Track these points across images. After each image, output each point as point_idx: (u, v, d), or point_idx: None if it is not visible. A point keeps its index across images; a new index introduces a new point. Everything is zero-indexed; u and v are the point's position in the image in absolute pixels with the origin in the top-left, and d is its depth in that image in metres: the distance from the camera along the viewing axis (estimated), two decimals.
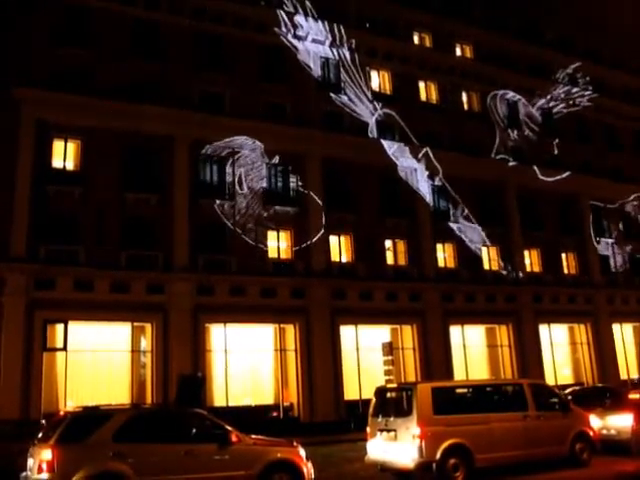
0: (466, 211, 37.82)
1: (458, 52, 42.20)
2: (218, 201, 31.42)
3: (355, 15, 37.99)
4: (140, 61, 31.73)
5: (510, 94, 42.29)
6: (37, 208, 27.72)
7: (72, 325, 25.91)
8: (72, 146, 29.69)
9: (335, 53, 36.57)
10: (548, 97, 43.99)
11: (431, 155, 37.11)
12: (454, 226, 37.44)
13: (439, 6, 41.27)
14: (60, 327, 25.76)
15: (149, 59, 32.03)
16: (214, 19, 33.73)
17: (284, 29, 35.14)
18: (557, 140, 43.49)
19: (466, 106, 41.48)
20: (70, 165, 29.58)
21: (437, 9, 41.18)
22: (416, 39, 40.75)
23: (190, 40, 33.12)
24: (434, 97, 40.31)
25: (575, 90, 45.31)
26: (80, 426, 11.97)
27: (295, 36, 35.49)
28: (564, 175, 41.68)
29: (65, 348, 25.62)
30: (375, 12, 38.85)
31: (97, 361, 28.21)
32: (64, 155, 29.41)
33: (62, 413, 13.13)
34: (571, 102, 45.08)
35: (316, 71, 35.91)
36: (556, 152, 43.25)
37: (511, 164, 40.17)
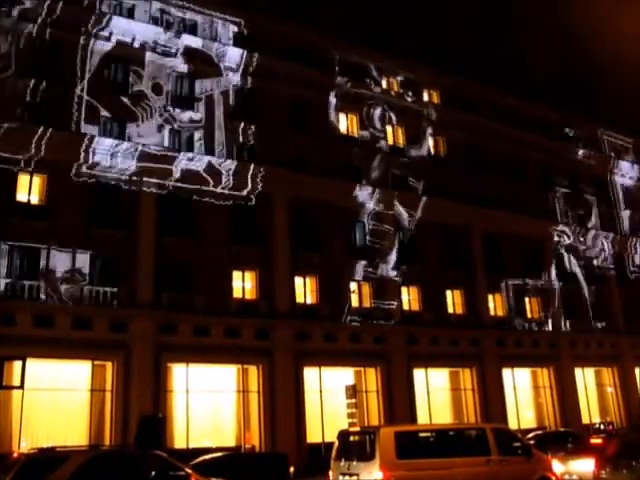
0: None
1: (425, 97, 42.89)
2: (184, 239, 31.24)
3: (324, 58, 38.50)
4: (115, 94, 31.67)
5: (476, 139, 43.01)
6: None
7: (30, 362, 25.29)
8: (37, 180, 29.27)
9: (303, 94, 36.97)
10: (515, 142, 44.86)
11: (398, 199, 37.63)
12: (419, 269, 37.65)
13: (409, 49, 42.15)
14: (18, 364, 25.09)
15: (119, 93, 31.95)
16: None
17: (250, 68, 35.57)
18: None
19: (432, 150, 42.07)
20: (35, 199, 29.16)
21: (406, 54, 42.05)
22: (384, 83, 41.40)
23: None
24: (401, 141, 40.81)
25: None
26: (34, 468, 11.63)
27: (264, 76, 35.86)
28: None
29: (22, 386, 24.93)
30: (344, 56, 39.43)
31: (55, 400, 27.51)
32: (29, 189, 28.96)
33: (16, 454, 12.78)
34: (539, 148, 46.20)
35: (285, 111, 36.21)
36: (522, 198, 44.06)
37: (476, 209, 40.66)
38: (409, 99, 41.15)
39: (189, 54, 34.10)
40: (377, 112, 39.66)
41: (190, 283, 31.03)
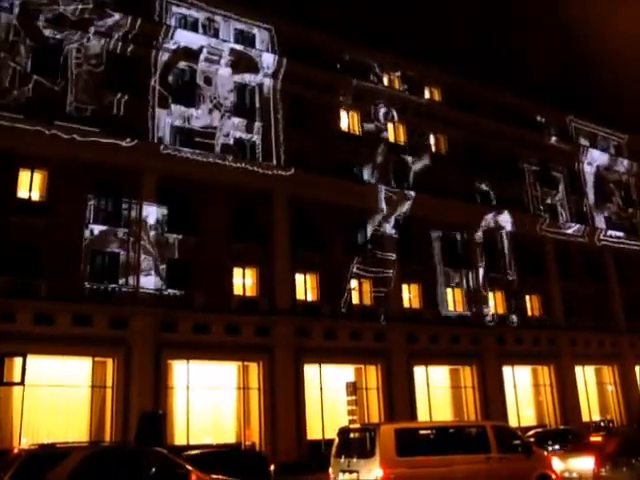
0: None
1: (427, 94, 42.83)
2: (185, 237, 31.25)
3: (324, 57, 38.44)
4: (110, 93, 31.61)
5: (476, 138, 42.95)
6: None
7: (31, 359, 25.26)
8: (38, 176, 29.25)
9: (303, 92, 36.95)
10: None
11: (398, 196, 37.58)
12: (419, 267, 37.61)
13: (410, 49, 42.15)
14: (18, 361, 25.06)
15: (118, 91, 31.88)
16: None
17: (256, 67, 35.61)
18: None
19: (433, 149, 42.03)
20: (35, 196, 29.14)
21: (408, 52, 42.06)
22: (386, 81, 41.34)
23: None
24: (402, 139, 40.76)
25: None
26: (35, 465, 11.61)
27: (264, 74, 35.86)
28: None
29: (23, 383, 24.89)
30: (345, 54, 39.41)
31: (55, 396, 27.51)
32: (30, 185, 28.94)
33: (16, 451, 12.77)
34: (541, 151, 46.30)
35: (285, 110, 36.18)
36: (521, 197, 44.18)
37: (476, 207, 40.67)
38: (410, 97, 41.06)
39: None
40: (378, 110, 39.60)
41: (191, 280, 31.03)
